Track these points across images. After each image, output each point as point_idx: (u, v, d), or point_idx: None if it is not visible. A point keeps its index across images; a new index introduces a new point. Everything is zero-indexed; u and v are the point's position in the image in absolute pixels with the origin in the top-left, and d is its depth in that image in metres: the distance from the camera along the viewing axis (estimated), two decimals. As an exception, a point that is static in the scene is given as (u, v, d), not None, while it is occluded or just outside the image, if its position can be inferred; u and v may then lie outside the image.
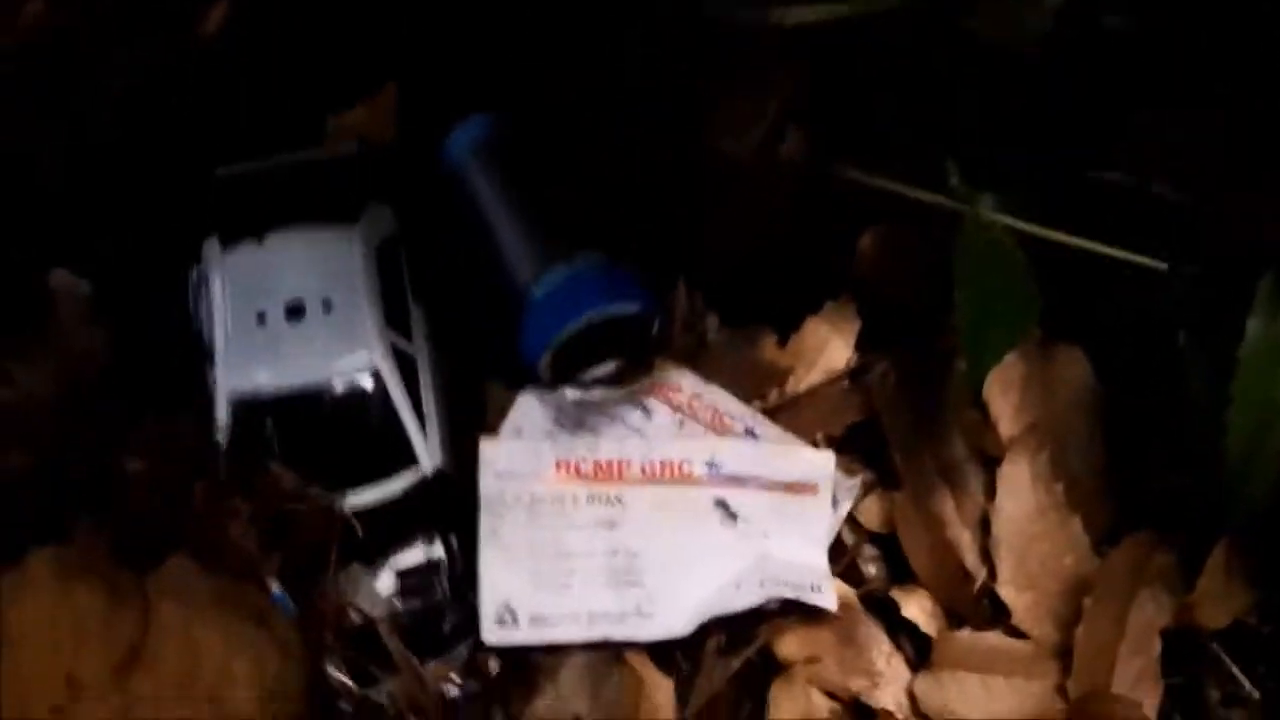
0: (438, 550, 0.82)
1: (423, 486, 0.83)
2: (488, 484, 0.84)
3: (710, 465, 0.86)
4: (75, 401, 0.84)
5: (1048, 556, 0.87)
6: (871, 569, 0.89)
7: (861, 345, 0.93)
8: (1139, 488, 0.88)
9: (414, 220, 0.90)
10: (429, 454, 0.83)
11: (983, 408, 0.89)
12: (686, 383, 0.90)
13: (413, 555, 0.82)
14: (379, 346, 0.82)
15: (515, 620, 0.82)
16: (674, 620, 0.83)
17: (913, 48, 0.83)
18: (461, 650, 0.82)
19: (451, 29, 0.94)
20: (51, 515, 0.77)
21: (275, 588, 0.77)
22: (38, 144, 0.91)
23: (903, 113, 0.87)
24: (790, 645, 0.84)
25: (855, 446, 0.90)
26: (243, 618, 0.73)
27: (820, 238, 0.92)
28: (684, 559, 0.84)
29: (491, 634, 0.82)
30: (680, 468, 0.86)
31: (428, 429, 0.84)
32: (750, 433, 0.89)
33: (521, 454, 0.85)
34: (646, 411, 0.89)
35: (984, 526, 0.87)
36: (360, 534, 0.80)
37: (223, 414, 0.80)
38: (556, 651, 0.82)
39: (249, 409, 0.80)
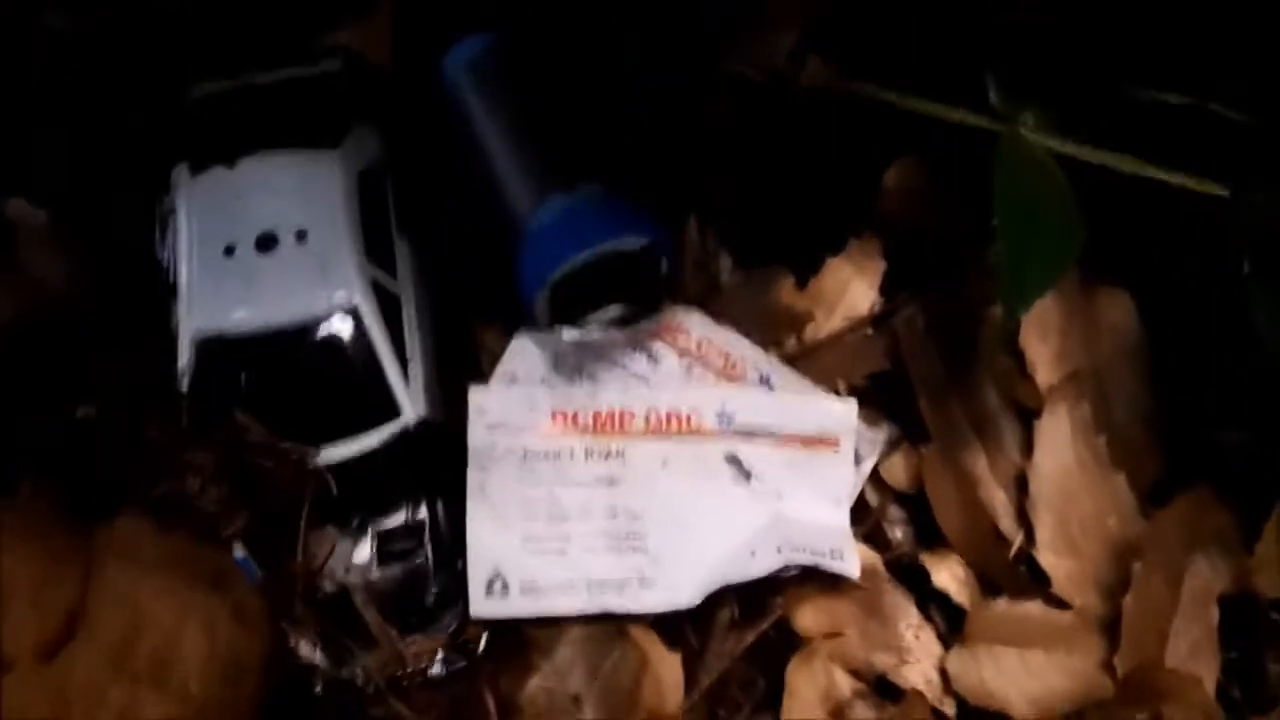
0: (421, 511, 0.79)
1: (405, 439, 0.79)
2: (477, 436, 0.81)
3: (721, 416, 0.83)
4: (29, 338, 0.81)
5: (1090, 518, 0.83)
6: (898, 532, 0.86)
7: (886, 288, 0.90)
8: (1190, 441, 0.85)
9: (402, 145, 0.87)
10: (412, 403, 0.79)
11: (1018, 355, 0.86)
12: (695, 325, 0.86)
13: (394, 516, 0.78)
14: (358, 283, 0.78)
15: (506, 589, 0.79)
16: (681, 589, 0.79)
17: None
18: (447, 622, 0.79)
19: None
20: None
21: (238, 550, 0.74)
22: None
23: (933, 26, 0.84)
24: (809, 617, 0.81)
25: (879, 398, 0.87)
26: (196, 583, 0.70)
27: (842, 170, 0.90)
28: (692, 521, 0.81)
29: (480, 604, 0.78)
30: (688, 419, 0.83)
31: (411, 375, 0.80)
32: (765, 381, 0.85)
33: (515, 403, 0.82)
34: (652, 357, 0.85)
35: (1020, 485, 0.84)
36: (335, 491, 0.76)
37: (185, 355, 0.76)
38: (552, 624, 0.79)
39: (214, 350, 0.77)
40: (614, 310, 0.85)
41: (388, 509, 0.79)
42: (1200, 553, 0.81)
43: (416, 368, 0.81)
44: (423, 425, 0.79)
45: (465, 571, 0.79)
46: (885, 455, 0.85)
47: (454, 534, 0.79)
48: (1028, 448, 0.84)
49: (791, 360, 0.87)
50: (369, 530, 0.78)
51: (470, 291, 0.87)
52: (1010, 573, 0.83)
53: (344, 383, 0.78)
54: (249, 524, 0.75)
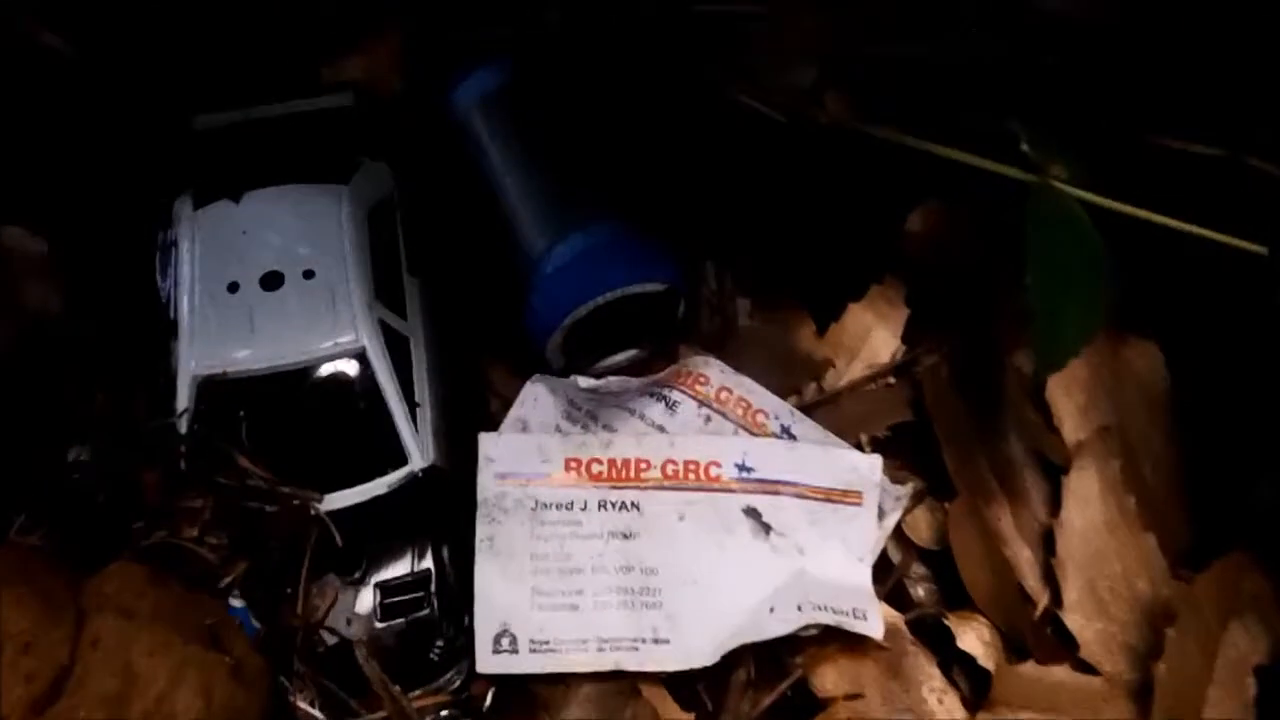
0: (427, 562, 0.77)
1: (412, 487, 0.77)
2: (487, 485, 0.79)
3: (741, 468, 0.81)
4: (22, 372, 0.80)
5: (1119, 579, 0.81)
6: (920, 590, 0.84)
7: (909, 335, 0.88)
8: (1222, 501, 0.82)
9: (412, 181, 0.86)
10: (420, 449, 0.78)
11: (1044, 407, 0.85)
12: (714, 373, 0.84)
13: (398, 567, 0.77)
14: (366, 323, 0.77)
15: (514, 645, 0.77)
16: (696, 648, 0.77)
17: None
18: (452, 678, 0.77)
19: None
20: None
21: (236, 601, 0.72)
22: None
23: (961, 73, 0.82)
24: (829, 678, 0.79)
25: (899, 450, 0.86)
26: (191, 637, 0.68)
27: (864, 213, 0.88)
28: (709, 576, 0.79)
29: (487, 660, 0.76)
30: (707, 470, 0.81)
31: (419, 420, 0.78)
32: (786, 431, 0.83)
33: (526, 451, 0.80)
34: (669, 405, 0.84)
35: (1045, 543, 0.82)
36: (338, 540, 0.75)
37: (184, 395, 0.75)
38: (561, 682, 0.77)
39: (215, 391, 0.75)
40: (629, 354, 0.84)
41: (392, 559, 0.77)
42: (1236, 620, 0.78)
43: (425, 413, 0.79)
44: (431, 473, 0.78)
45: (472, 626, 0.77)
46: (909, 510, 0.83)
47: (461, 586, 0.78)
48: (1053, 504, 0.83)
49: (810, 409, 0.86)
50: (372, 581, 0.76)
51: (481, 334, 0.86)
52: (1037, 635, 0.80)
53: (349, 427, 0.77)
54: (247, 574, 0.73)
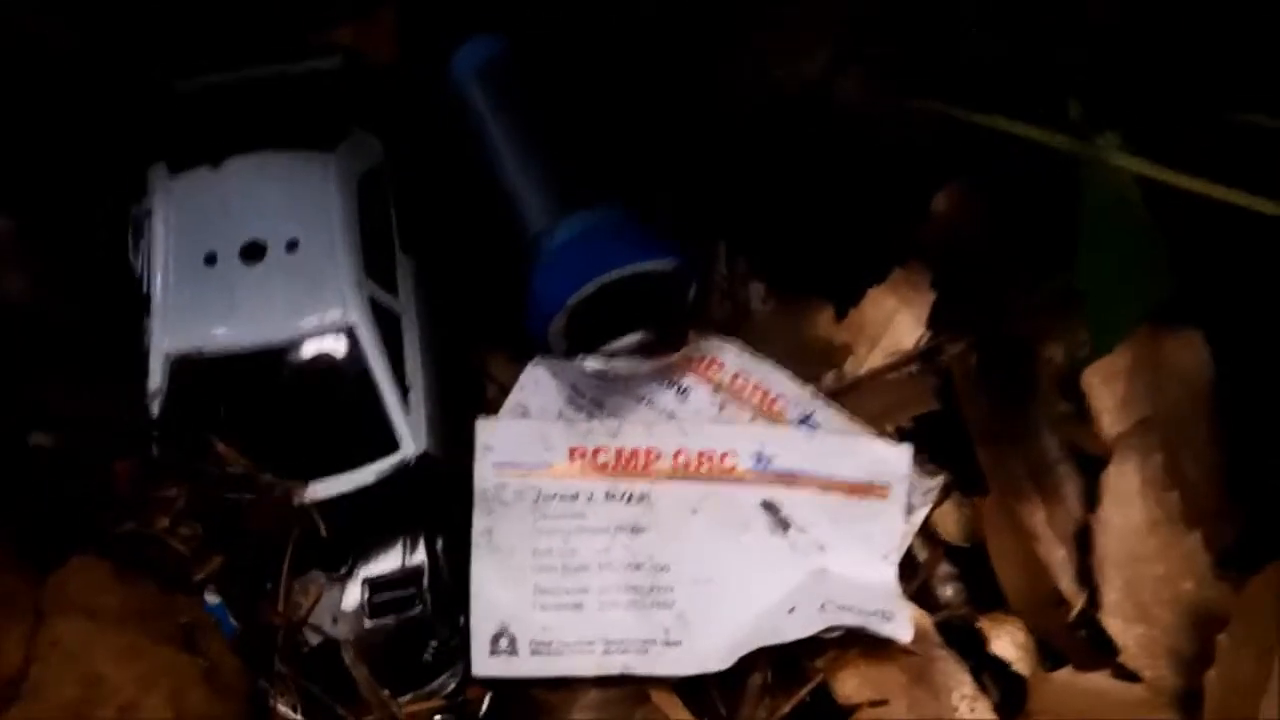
0: (419, 556, 0.76)
1: (403, 475, 0.75)
2: (485, 475, 0.78)
3: (758, 458, 0.79)
4: None
5: (1161, 580, 0.79)
6: (948, 590, 0.82)
7: (934, 321, 0.86)
8: (1270, 498, 0.80)
9: (406, 151, 0.84)
10: (412, 435, 0.76)
11: (1078, 398, 0.83)
12: (730, 357, 0.83)
13: (388, 561, 0.76)
14: (355, 300, 0.75)
15: (513, 647, 0.76)
16: (710, 651, 0.76)
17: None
18: (446, 682, 0.76)
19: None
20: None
21: (212, 598, 0.71)
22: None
23: (999, 34, 0.81)
24: (851, 684, 0.77)
25: (922, 441, 0.83)
26: (161, 639, 0.66)
27: (886, 192, 0.86)
28: (723, 574, 0.78)
29: (484, 663, 0.76)
30: (721, 460, 0.80)
31: (412, 404, 0.77)
32: (807, 420, 0.81)
33: (527, 439, 0.79)
34: (681, 391, 0.82)
35: (1080, 541, 0.81)
36: (324, 532, 0.73)
37: (158, 376, 0.73)
38: (564, 687, 0.77)
39: (190, 371, 0.73)
40: (635, 338, 0.81)
41: (382, 553, 0.76)
42: (1294, 626, 0.77)
43: (418, 396, 0.77)
44: (423, 460, 0.76)
45: (468, 625, 0.76)
46: (937, 504, 0.82)
47: (456, 583, 0.77)
48: (1088, 499, 0.81)
49: (828, 398, 0.84)
50: (360, 577, 0.75)
51: (479, 314, 0.85)
52: (1075, 639, 0.80)
53: (336, 410, 0.75)
54: (225, 568, 0.72)
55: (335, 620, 0.74)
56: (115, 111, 0.84)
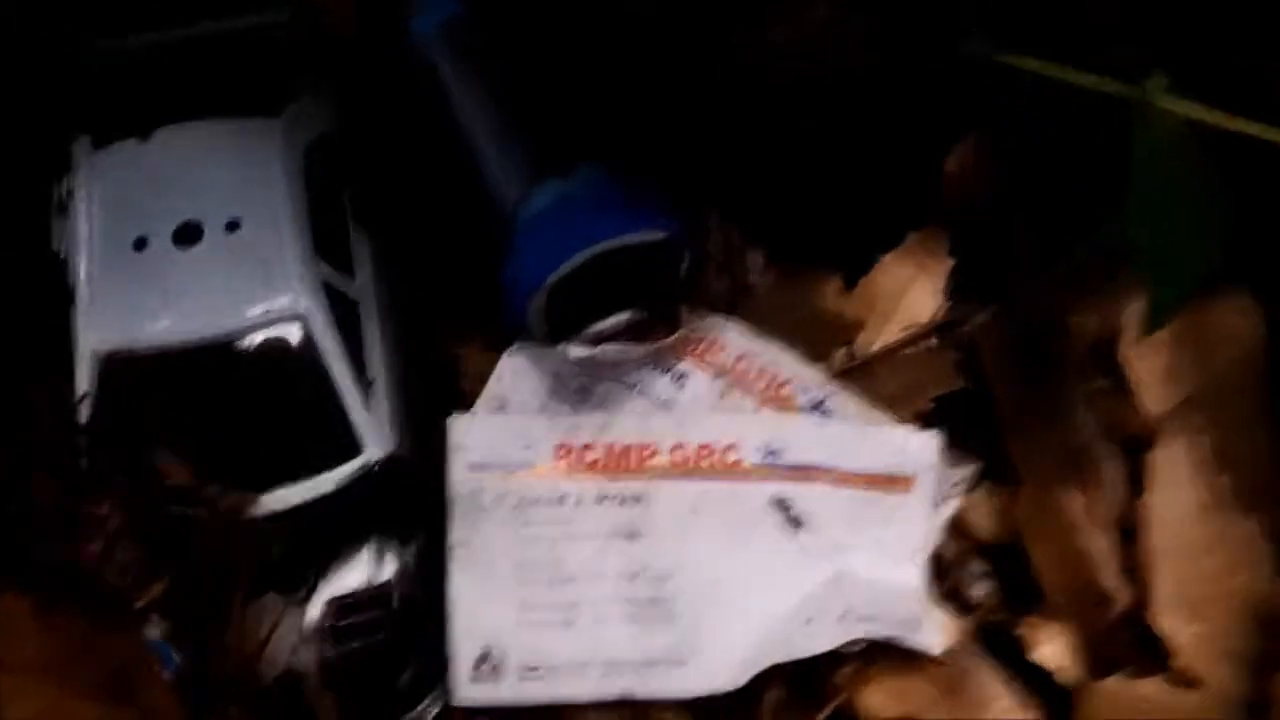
0: (388, 571, 0.73)
1: (367, 481, 0.74)
2: (459, 478, 0.76)
3: (765, 451, 0.77)
4: None
5: (1217, 574, 0.76)
6: (980, 591, 0.79)
7: (954, 290, 0.83)
8: None
9: (361, 116, 0.82)
10: (376, 436, 0.74)
11: (1115, 371, 0.80)
12: (732, 337, 0.80)
13: (353, 579, 0.73)
14: (305, 284, 0.72)
15: (498, 670, 0.74)
16: (719, 669, 0.74)
17: None
18: (424, 712, 0.74)
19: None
20: None
21: (152, 630, 0.69)
22: None
23: None
24: (877, 700, 0.75)
25: (944, 425, 0.80)
26: (87, 690, 0.64)
27: (898, 150, 0.82)
28: (731, 583, 0.76)
29: (465, 689, 0.73)
30: (724, 454, 0.77)
31: (374, 401, 0.75)
32: (819, 407, 0.78)
33: (506, 436, 0.77)
34: (678, 378, 0.79)
35: (1123, 531, 0.77)
36: (280, 549, 0.71)
37: (84, 377, 0.71)
38: (558, 714, 0.74)
39: (122, 369, 0.71)
40: (624, 319, 0.79)
41: (346, 570, 0.73)
42: (1373, 626, 0.74)
43: (381, 391, 0.76)
44: (389, 464, 0.74)
45: (446, 648, 0.74)
46: (966, 498, 0.79)
47: (431, 601, 0.75)
48: (1130, 485, 0.78)
49: (839, 379, 0.81)
50: (322, 598, 0.72)
51: (448, 297, 0.82)
52: (1122, 641, 0.76)
53: (289, 411, 0.73)
54: (167, 595, 0.70)
55: (295, 648, 0.71)
56: (29, 77, 0.81)
